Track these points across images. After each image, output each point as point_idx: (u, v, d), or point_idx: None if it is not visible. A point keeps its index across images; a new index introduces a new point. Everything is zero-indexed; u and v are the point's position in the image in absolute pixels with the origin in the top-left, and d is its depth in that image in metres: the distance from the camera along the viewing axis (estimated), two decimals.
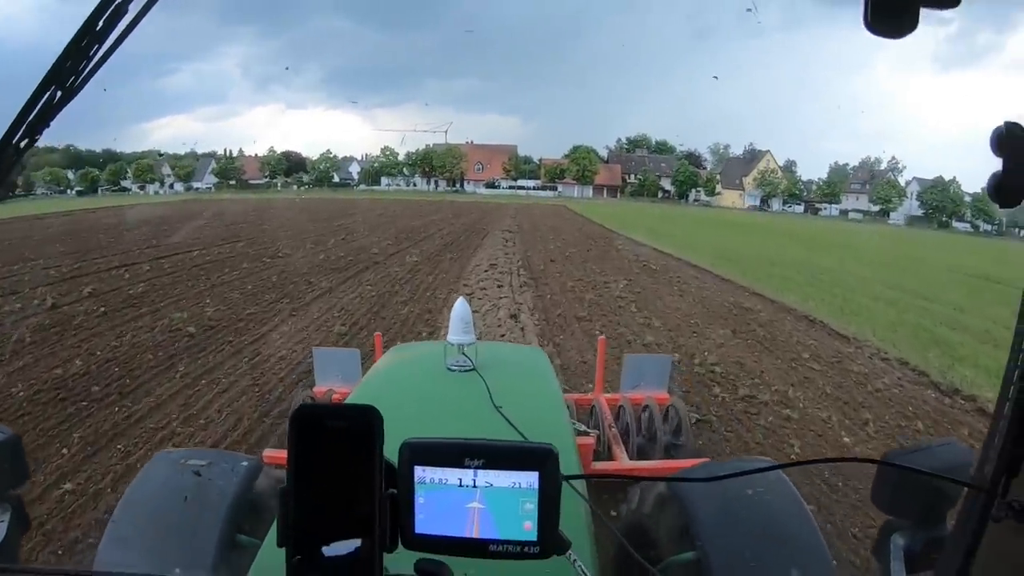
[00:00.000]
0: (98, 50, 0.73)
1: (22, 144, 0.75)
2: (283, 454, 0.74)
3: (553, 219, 30.47)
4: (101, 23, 0.72)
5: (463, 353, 2.07)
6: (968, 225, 61.69)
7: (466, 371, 2.01)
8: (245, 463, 1.62)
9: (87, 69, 0.74)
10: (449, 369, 2.05)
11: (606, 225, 26.65)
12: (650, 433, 3.61)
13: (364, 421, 0.63)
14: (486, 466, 0.67)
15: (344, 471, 0.64)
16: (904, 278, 15.14)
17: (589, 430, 3.51)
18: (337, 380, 3.89)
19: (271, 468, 1.73)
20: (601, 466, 3.16)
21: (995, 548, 0.61)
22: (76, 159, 70.87)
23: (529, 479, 0.67)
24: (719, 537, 1.33)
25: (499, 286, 10.50)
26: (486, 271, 12.27)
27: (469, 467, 0.67)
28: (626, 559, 1.50)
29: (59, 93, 0.73)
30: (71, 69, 0.73)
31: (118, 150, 74.91)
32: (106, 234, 19.31)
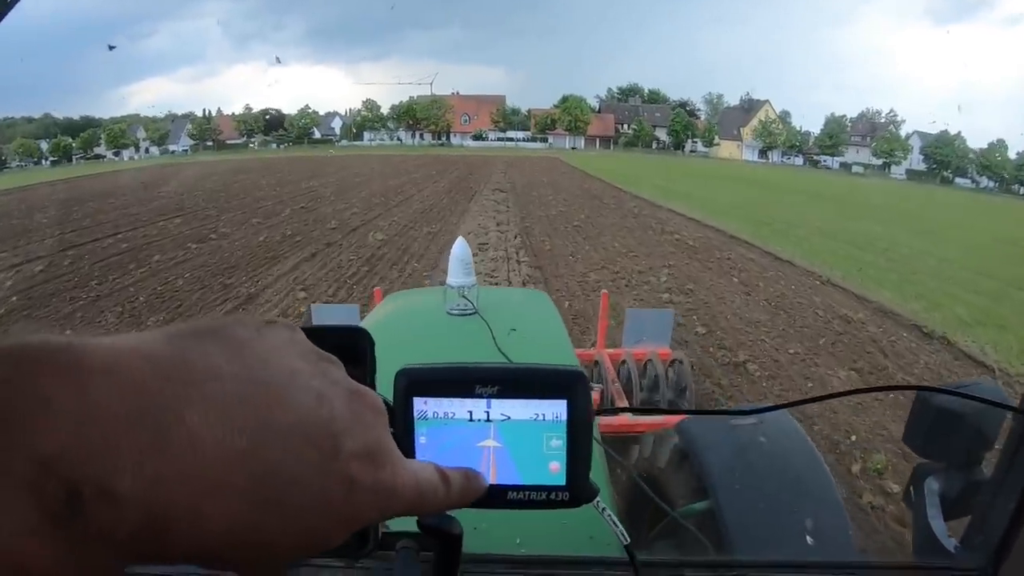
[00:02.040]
0: None
1: None
2: None
3: (549, 174, 27.24)
4: None
5: (464, 296, 1.82)
6: (969, 181, 59.74)
7: (468, 315, 1.80)
8: None
9: None
10: (449, 313, 1.83)
11: (610, 181, 23.65)
12: (654, 387, 3.53)
13: (351, 344, 0.48)
14: (501, 394, 0.50)
15: None
16: (982, 258, 12.21)
17: (593, 384, 3.18)
18: None
19: None
20: (608, 420, 2.84)
21: None
22: (54, 128, 67.90)
23: (556, 409, 0.50)
24: (733, 487, 1.23)
25: (493, 283, 7.71)
26: (475, 255, 9.39)
27: (481, 396, 0.50)
28: (639, 507, 1.52)
29: None
30: None
31: (97, 116, 72.14)
32: (43, 213, 15.95)
